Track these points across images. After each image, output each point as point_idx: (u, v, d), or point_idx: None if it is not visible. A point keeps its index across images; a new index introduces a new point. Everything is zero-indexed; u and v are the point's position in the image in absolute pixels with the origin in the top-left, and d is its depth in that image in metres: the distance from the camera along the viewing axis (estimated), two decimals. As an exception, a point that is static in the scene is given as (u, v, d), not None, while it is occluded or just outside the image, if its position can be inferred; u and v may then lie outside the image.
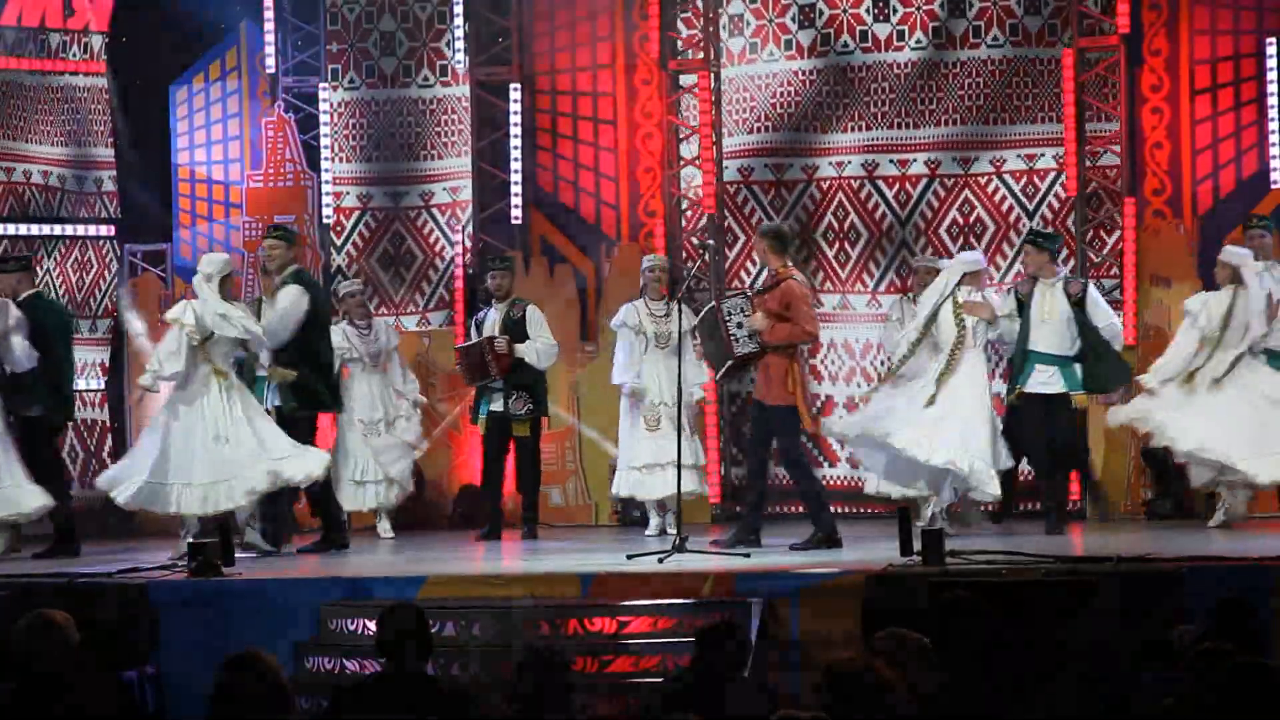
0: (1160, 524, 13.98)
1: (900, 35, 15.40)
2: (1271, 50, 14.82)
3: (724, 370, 13.05)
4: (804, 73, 15.62)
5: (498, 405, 14.30)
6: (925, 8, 15.36)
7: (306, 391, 13.35)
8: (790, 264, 12.91)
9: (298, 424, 13.31)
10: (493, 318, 14.44)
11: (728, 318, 12.74)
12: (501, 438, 14.37)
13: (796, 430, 12.81)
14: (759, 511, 12.95)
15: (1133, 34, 15.06)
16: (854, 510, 15.15)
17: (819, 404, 15.59)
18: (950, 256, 15.08)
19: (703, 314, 13.22)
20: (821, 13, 15.57)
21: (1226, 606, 7.45)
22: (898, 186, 15.45)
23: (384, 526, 14.91)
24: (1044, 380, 13.46)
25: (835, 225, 15.61)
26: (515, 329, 14.30)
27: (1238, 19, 15.04)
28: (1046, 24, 15.19)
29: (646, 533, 14.22)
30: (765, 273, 13.59)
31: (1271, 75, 14.83)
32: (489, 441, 14.43)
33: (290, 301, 13.28)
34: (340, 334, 14.81)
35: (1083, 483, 14.60)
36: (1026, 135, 15.24)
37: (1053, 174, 15.15)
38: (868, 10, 15.46)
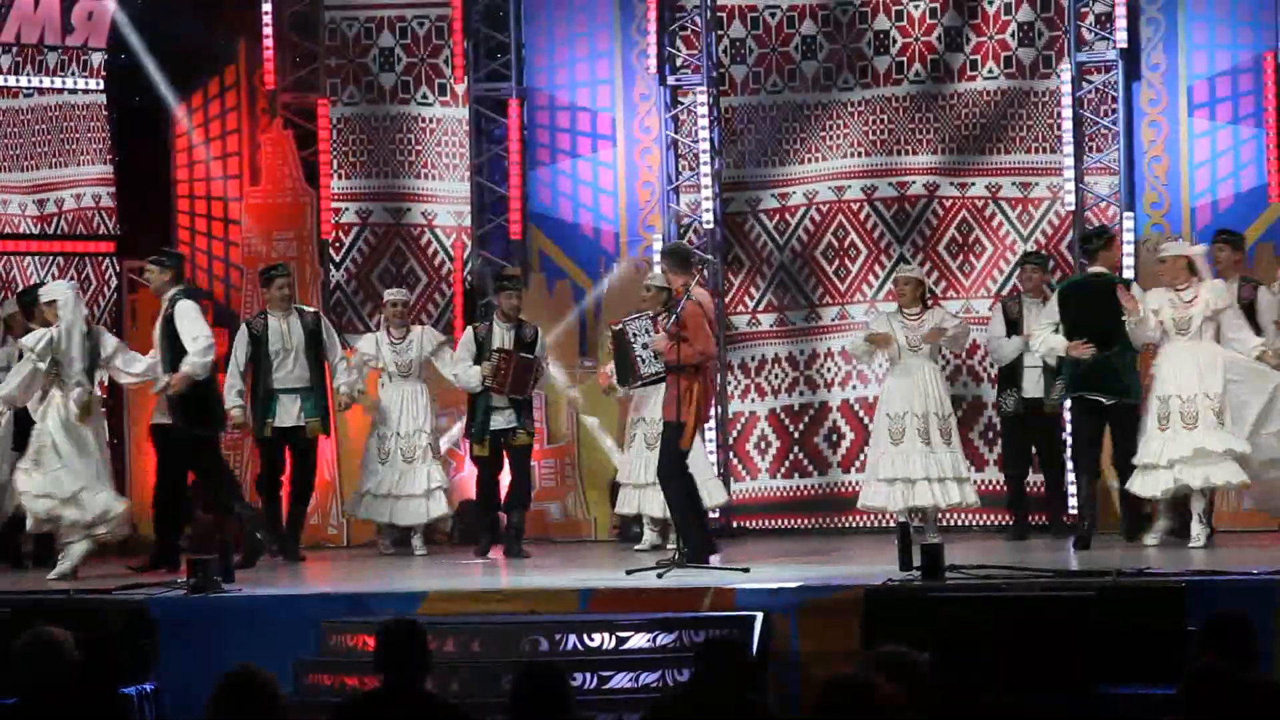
0: (1160, 538, 13.96)
1: (900, 68, 15.45)
2: (1269, 65, 14.85)
3: (631, 387, 13.07)
4: (809, 107, 15.67)
5: (501, 424, 14.16)
6: (923, 39, 15.42)
7: (194, 411, 13.41)
8: (693, 282, 12.93)
9: (182, 444, 13.44)
10: (501, 336, 14.23)
11: (633, 339, 12.83)
12: (500, 457, 14.28)
13: (677, 447, 12.77)
14: (704, 520, 13.05)
15: (1131, 49, 15.08)
16: (854, 524, 15.18)
17: (812, 410, 15.61)
18: (950, 272, 15.19)
19: (614, 335, 13.24)
20: (822, 46, 15.63)
21: (1223, 622, 7.44)
22: (896, 207, 15.51)
23: (416, 543, 14.72)
24: None
25: (835, 244, 15.66)
26: (529, 350, 14.23)
27: (1236, 34, 15.06)
28: (1041, 55, 15.24)
29: (636, 548, 14.16)
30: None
31: (1269, 90, 14.84)
32: (492, 463, 14.27)
33: (196, 312, 13.39)
34: (372, 342, 14.78)
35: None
36: (1022, 164, 15.29)
37: (1046, 202, 15.20)
38: (869, 44, 15.52)
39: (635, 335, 12.87)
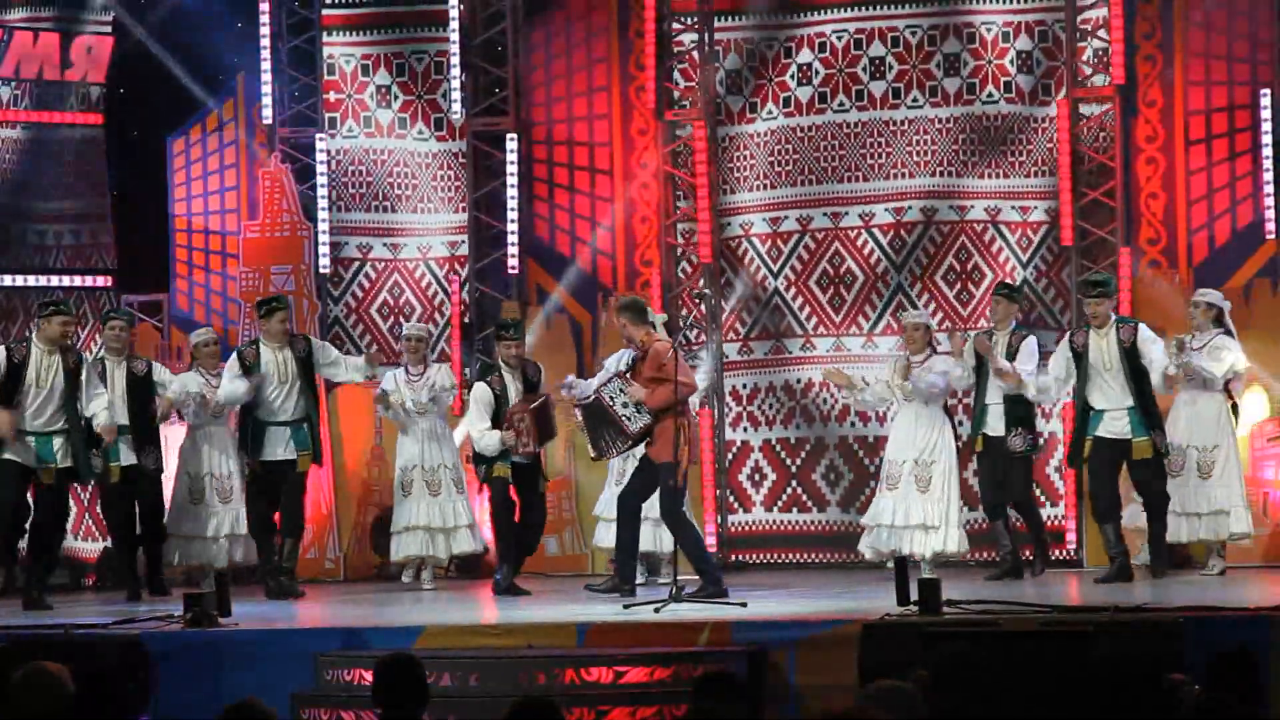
0: (1160, 573, 13.95)
1: (896, 93, 15.49)
2: (1265, 102, 14.88)
3: (623, 449, 12.97)
4: (802, 129, 15.71)
5: (526, 459, 13.77)
6: (920, 67, 15.46)
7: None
8: (651, 331, 12.93)
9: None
10: (514, 385, 13.82)
11: (611, 402, 12.74)
12: (516, 487, 13.89)
13: (678, 487, 12.81)
14: (634, 559, 13.16)
15: (1128, 85, 15.13)
16: (847, 559, 15.17)
17: (809, 445, 15.62)
18: (947, 303, 15.17)
19: (586, 408, 13.09)
20: (818, 71, 15.67)
21: (1226, 659, 7.43)
22: (893, 234, 15.52)
23: (425, 576, 14.63)
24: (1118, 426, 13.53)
25: (830, 271, 15.67)
26: (538, 388, 13.93)
27: (1232, 71, 15.10)
28: (1040, 83, 15.28)
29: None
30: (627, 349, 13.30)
31: (1265, 126, 14.87)
32: (507, 494, 13.83)
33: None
34: (392, 380, 14.67)
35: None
36: (1020, 188, 15.31)
37: (1045, 227, 15.21)
38: (864, 69, 15.56)
39: (612, 398, 12.81)
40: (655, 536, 13.89)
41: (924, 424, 13.95)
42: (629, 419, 12.73)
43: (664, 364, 12.66)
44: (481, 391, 13.87)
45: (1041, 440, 14.47)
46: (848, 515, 15.32)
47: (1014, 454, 13.93)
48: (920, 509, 13.88)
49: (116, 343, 14.28)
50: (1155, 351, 13.40)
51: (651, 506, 13.84)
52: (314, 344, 14.28)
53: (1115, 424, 13.42)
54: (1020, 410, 13.93)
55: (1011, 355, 13.89)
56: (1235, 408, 13.89)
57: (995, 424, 13.97)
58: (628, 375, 12.87)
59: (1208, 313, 13.83)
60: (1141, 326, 13.57)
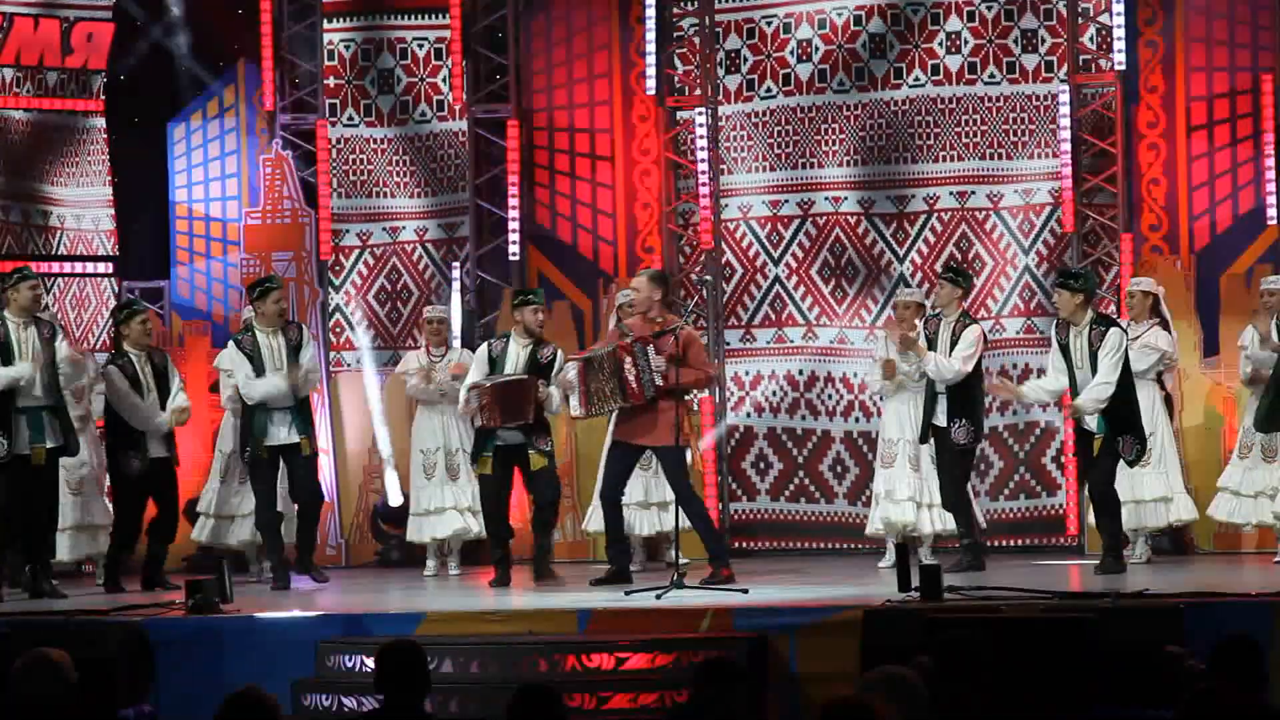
0: (1160, 560, 13.98)
1: (899, 73, 15.47)
2: (1267, 87, 14.87)
3: (610, 410, 13.02)
4: (802, 110, 15.68)
5: (507, 440, 13.51)
6: (924, 46, 15.42)
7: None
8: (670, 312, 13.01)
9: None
10: (517, 354, 13.65)
11: (633, 363, 12.71)
12: (505, 475, 13.69)
13: (687, 471, 12.89)
14: (628, 549, 13.29)
15: (1129, 71, 15.11)
16: (850, 546, 15.17)
17: (815, 438, 15.61)
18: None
19: (594, 356, 12.97)
20: (818, 48, 15.64)
21: (1228, 646, 7.43)
22: (895, 224, 15.50)
23: (451, 562, 14.69)
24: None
25: (832, 261, 15.66)
26: (544, 371, 13.60)
27: (1234, 56, 15.09)
28: (1043, 60, 15.25)
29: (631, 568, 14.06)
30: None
31: (1268, 112, 14.86)
32: (494, 481, 13.63)
33: None
34: (415, 359, 14.67)
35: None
36: (1022, 171, 15.29)
37: (1049, 208, 15.19)
38: (864, 46, 15.53)
39: (635, 358, 12.77)
40: (659, 519, 13.93)
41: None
42: (646, 385, 12.69)
43: (690, 347, 12.68)
44: (481, 353, 13.82)
45: (983, 431, 14.21)
46: (854, 508, 15.30)
47: (956, 446, 13.49)
48: (924, 487, 13.94)
49: (147, 337, 14.01)
50: (1105, 353, 13.05)
51: (651, 491, 13.94)
52: (305, 337, 13.84)
53: (1090, 420, 13.21)
54: (962, 401, 13.47)
55: (954, 343, 13.53)
56: (1169, 399, 13.95)
57: (941, 415, 13.72)
58: (659, 343, 12.77)
59: (1144, 300, 13.92)
60: (1111, 332, 12.95)
